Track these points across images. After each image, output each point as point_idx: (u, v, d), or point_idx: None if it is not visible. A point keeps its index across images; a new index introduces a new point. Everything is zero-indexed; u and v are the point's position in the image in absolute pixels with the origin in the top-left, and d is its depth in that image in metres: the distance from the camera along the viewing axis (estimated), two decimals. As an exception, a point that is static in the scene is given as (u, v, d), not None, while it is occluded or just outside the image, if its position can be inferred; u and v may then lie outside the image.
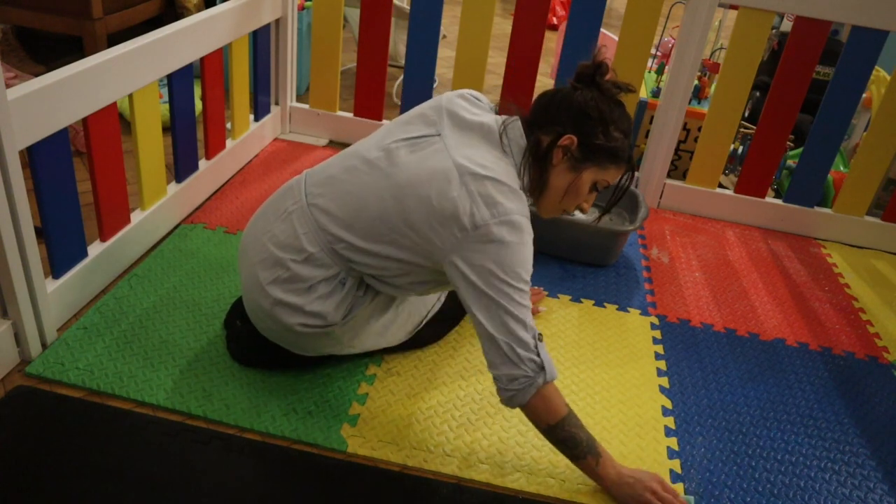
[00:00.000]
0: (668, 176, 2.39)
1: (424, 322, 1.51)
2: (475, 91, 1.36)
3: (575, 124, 1.23)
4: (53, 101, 1.34)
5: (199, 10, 2.96)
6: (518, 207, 1.17)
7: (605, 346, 1.66)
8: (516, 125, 1.26)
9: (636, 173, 2.35)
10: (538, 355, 1.17)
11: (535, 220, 1.92)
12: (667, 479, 1.32)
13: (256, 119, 2.36)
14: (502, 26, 4.09)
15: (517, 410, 1.42)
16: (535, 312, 1.72)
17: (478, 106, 1.32)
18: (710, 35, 2.28)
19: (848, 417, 1.54)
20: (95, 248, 1.60)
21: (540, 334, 1.19)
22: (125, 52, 1.52)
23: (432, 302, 1.52)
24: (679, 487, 1.31)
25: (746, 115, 2.68)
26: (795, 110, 2.18)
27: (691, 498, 1.29)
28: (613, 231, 1.94)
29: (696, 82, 2.51)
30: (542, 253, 1.99)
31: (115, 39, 1.84)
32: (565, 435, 1.21)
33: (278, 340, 1.37)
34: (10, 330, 1.36)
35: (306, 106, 2.53)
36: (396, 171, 1.22)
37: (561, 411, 1.21)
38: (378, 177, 1.23)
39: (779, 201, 2.34)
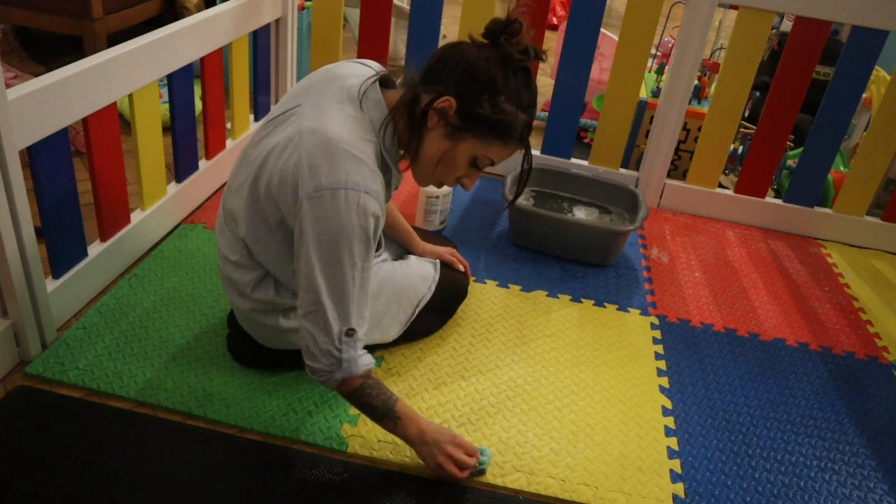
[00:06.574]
0: (668, 176, 2.39)
1: (417, 312, 1.50)
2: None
3: (459, 86, 1.09)
4: (53, 101, 1.34)
5: (199, 10, 2.96)
6: (347, 179, 1.06)
7: (605, 346, 1.66)
8: (376, 84, 1.17)
9: (637, 174, 2.37)
10: (339, 350, 1.11)
11: (537, 221, 1.96)
12: (667, 478, 1.32)
13: (256, 119, 2.36)
14: (502, 26, 4.08)
15: (518, 411, 1.43)
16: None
17: (365, 67, 1.23)
18: (710, 35, 2.28)
19: (848, 417, 1.54)
20: (95, 248, 1.60)
21: (351, 329, 1.11)
22: (125, 52, 1.52)
23: (423, 291, 1.50)
24: (679, 487, 1.31)
25: (746, 115, 2.68)
26: (795, 110, 2.18)
27: (487, 451, 1.28)
28: (613, 231, 1.94)
29: (696, 82, 2.51)
30: (542, 253, 1.99)
31: (115, 39, 1.84)
32: (360, 403, 1.18)
33: (271, 343, 1.38)
34: (10, 330, 1.36)
35: (306, 106, 2.53)
36: (256, 154, 1.19)
37: (353, 385, 1.15)
38: (245, 166, 1.23)
39: (779, 201, 2.34)
